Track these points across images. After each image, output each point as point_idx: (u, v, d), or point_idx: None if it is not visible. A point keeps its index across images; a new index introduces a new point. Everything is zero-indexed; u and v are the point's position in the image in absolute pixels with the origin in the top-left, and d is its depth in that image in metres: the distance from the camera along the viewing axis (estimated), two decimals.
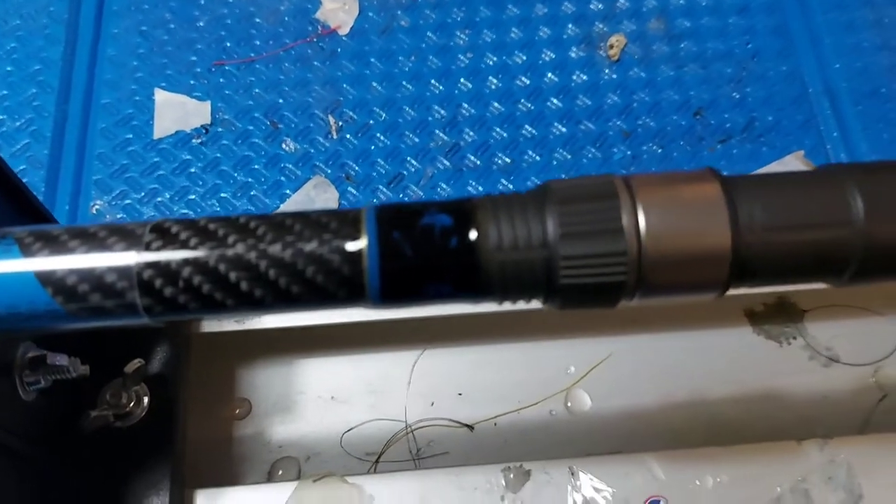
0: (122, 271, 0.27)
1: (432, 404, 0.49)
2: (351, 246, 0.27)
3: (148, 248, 0.28)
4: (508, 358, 0.50)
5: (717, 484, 0.43)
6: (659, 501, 0.43)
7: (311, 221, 0.28)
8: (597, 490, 0.43)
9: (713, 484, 0.43)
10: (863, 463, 0.43)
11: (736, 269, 0.27)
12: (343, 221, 0.28)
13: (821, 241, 0.27)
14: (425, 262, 0.27)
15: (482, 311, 0.38)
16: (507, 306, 0.30)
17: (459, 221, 0.27)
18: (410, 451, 0.48)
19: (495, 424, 0.49)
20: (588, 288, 0.27)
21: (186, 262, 0.28)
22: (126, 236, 0.28)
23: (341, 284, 0.27)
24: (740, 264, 0.27)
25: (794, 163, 0.56)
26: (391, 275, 0.27)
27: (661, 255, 0.26)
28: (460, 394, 0.49)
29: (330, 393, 0.49)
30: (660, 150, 0.57)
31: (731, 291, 0.30)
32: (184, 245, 0.28)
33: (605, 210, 0.26)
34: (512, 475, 0.43)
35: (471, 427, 0.49)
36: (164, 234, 0.28)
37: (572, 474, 0.43)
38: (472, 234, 0.27)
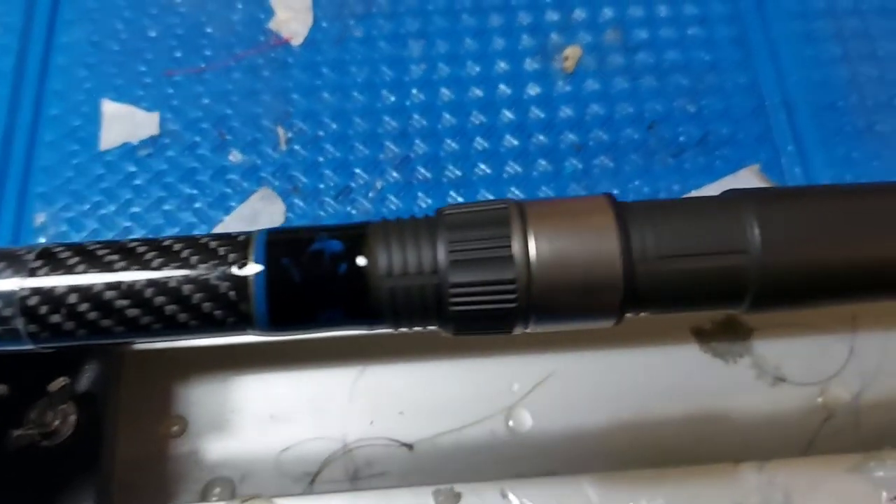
0: (7, 297, 0.27)
1: (372, 423, 0.48)
2: (238, 272, 0.27)
3: (33, 273, 0.27)
4: (452, 375, 0.49)
5: None
6: None
7: (200, 246, 0.27)
8: None
9: None
10: (801, 486, 0.43)
11: (629, 297, 0.27)
12: (232, 246, 0.27)
13: (716, 270, 0.26)
14: (314, 289, 0.26)
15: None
16: (405, 331, 0.29)
17: (350, 247, 0.27)
18: (348, 471, 0.47)
19: (435, 444, 0.48)
20: (479, 315, 0.26)
21: (72, 288, 0.27)
22: (12, 262, 0.28)
23: (228, 311, 0.27)
24: (633, 292, 0.26)
25: (748, 177, 0.55)
26: (279, 301, 0.27)
27: (550, 283, 0.26)
28: (401, 412, 0.48)
29: (268, 411, 0.48)
30: (611, 164, 0.56)
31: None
32: (70, 270, 0.28)
33: (495, 238, 0.26)
34: (442, 497, 0.42)
35: (410, 446, 0.48)
36: (50, 260, 0.28)
37: (504, 496, 0.42)
38: (362, 261, 0.27)
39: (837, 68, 0.60)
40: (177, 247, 0.27)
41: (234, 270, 0.26)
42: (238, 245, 0.27)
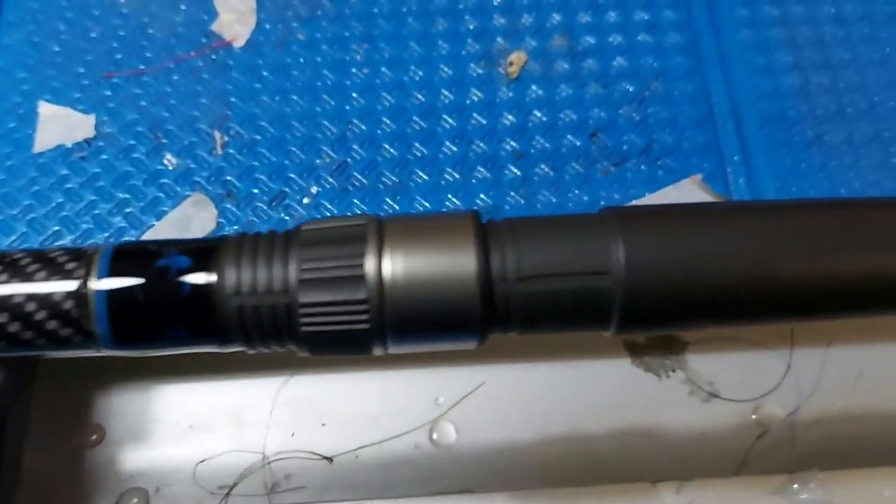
0: None
1: (293, 435, 0.47)
2: (80, 288, 0.26)
3: None
4: (378, 386, 0.49)
5: None
6: None
7: (48, 260, 0.26)
8: None
9: None
10: None
11: (489, 318, 0.26)
12: (78, 261, 0.26)
13: (579, 291, 0.25)
14: (156, 307, 0.26)
15: None
16: (263, 350, 0.28)
17: (198, 263, 0.26)
18: (265, 484, 0.47)
19: (357, 457, 0.47)
20: (332, 336, 0.26)
21: None
22: None
23: (73, 329, 0.26)
24: (492, 313, 0.26)
25: (690, 187, 0.54)
26: (121, 319, 0.26)
27: (404, 304, 0.25)
28: (324, 424, 0.48)
29: (188, 421, 0.48)
30: (552, 173, 0.55)
31: None
32: None
33: (348, 256, 0.25)
34: None
35: (330, 460, 0.47)
36: None
37: None
38: (209, 277, 0.26)
39: (789, 77, 0.59)
40: (24, 261, 0.26)
41: (77, 287, 0.25)
42: (85, 260, 0.26)
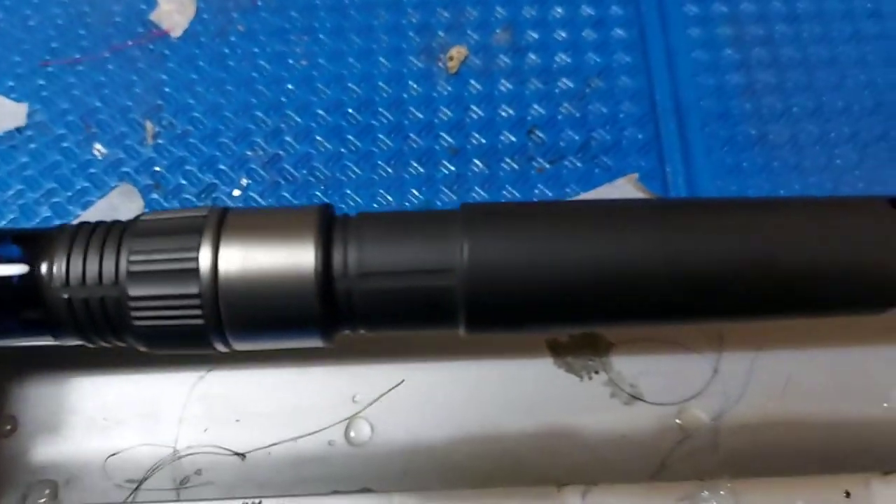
0: None
1: (206, 430, 0.47)
2: None
3: None
4: (295, 382, 0.48)
5: None
6: None
7: None
8: None
9: None
10: None
11: (330, 315, 0.25)
12: None
13: (422, 289, 0.24)
14: None
15: None
16: (104, 345, 0.28)
17: (29, 253, 0.25)
18: (175, 479, 0.46)
19: (269, 454, 0.46)
20: (166, 331, 0.25)
21: None
22: None
23: None
24: (334, 311, 0.25)
25: (626, 186, 0.53)
26: None
27: (239, 299, 0.24)
28: (238, 420, 0.47)
29: (102, 414, 0.47)
30: (486, 170, 0.54)
31: None
32: None
33: (181, 248, 0.24)
34: None
35: (242, 456, 0.46)
36: None
37: None
38: (38, 268, 0.25)
39: (735, 75, 0.58)
40: None
41: None
42: None
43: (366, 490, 0.43)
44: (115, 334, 0.25)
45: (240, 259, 0.24)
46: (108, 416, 0.47)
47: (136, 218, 0.25)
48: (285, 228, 0.24)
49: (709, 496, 0.41)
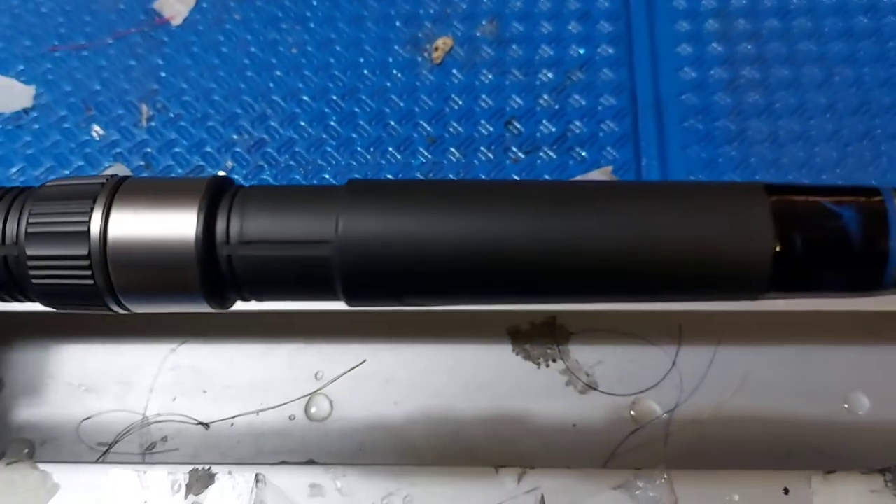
0: None
1: (174, 399, 0.49)
2: None
3: None
4: (262, 358, 0.50)
5: (402, 503, 0.42)
6: None
7: None
8: (276, 499, 0.42)
9: (400, 502, 0.42)
10: (558, 499, 0.41)
11: (212, 281, 0.26)
12: None
13: (300, 259, 0.26)
14: None
15: (242, 309, 0.38)
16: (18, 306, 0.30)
17: None
18: (142, 444, 0.48)
19: (232, 425, 0.48)
20: (61, 290, 0.27)
21: None
22: None
23: None
24: (216, 277, 0.26)
25: (599, 178, 0.53)
26: None
27: (126, 262, 0.26)
28: (205, 391, 0.49)
29: (81, 380, 0.50)
30: (463, 159, 0.55)
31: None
32: None
33: (74, 212, 0.26)
34: (196, 477, 0.43)
35: (206, 425, 0.49)
36: None
37: (258, 481, 0.42)
38: None
39: (718, 70, 0.57)
40: None
41: None
42: None
43: (311, 462, 0.44)
44: (21, 292, 0.27)
45: (128, 224, 0.26)
46: (86, 382, 0.50)
47: (43, 184, 0.27)
48: (175, 196, 0.26)
49: (645, 486, 0.42)
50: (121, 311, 0.28)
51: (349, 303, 0.27)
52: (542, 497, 0.42)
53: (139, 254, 0.25)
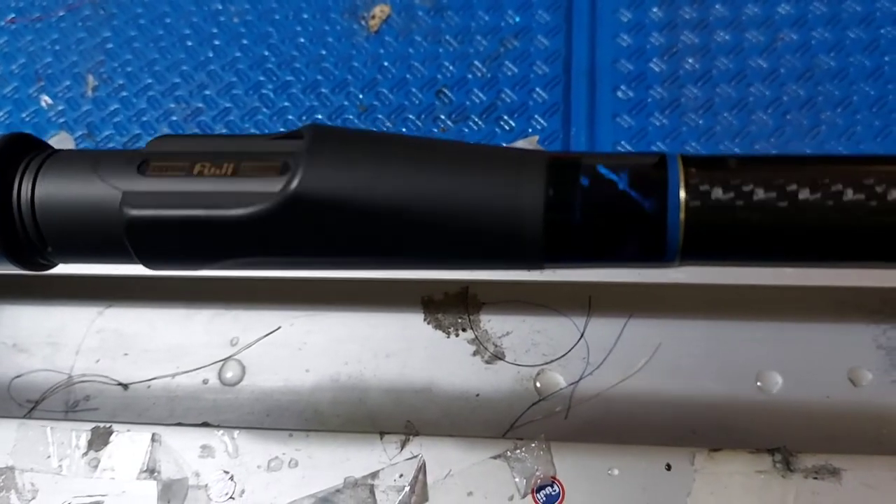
0: None
1: (98, 361, 0.51)
2: None
3: None
4: (182, 323, 0.51)
5: (286, 465, 0.43)
6: (232, 475, 0.43)
7: None
8: (168, 457, 0.44)
9: (283, 465, 0.43)
10: (437, 466, 0.42)
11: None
12: None
13: (92, 222, 0.27)
14: None
15: (169, 274, 0.39)
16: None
17: None
18: (66, 403, 0.51)
19: (149, 387, 0.50)
20: None
21: None
22: None
23: None
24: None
25: (525, 147, 0.52)
26: None
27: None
28: (126, 354, 0.51)
29: (13, 339, 0.52)
30: (392, 128, 0.55)
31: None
32: None
33: None
34: (98, 434, 0.45)
35: (125, 386, 0.50)
36: None
37: (153, 440, 0.44)
38: None
39: (657, 36, 0.56)
40: None
41: None
42: None
43: (205, 424, 0.46)
44: None
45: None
46: (18, 342, 0.53)
47: None
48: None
49: (524, 456, 0.42)
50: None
51: (150, 267, 0.28)
52: (424, 464, 0.43)
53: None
